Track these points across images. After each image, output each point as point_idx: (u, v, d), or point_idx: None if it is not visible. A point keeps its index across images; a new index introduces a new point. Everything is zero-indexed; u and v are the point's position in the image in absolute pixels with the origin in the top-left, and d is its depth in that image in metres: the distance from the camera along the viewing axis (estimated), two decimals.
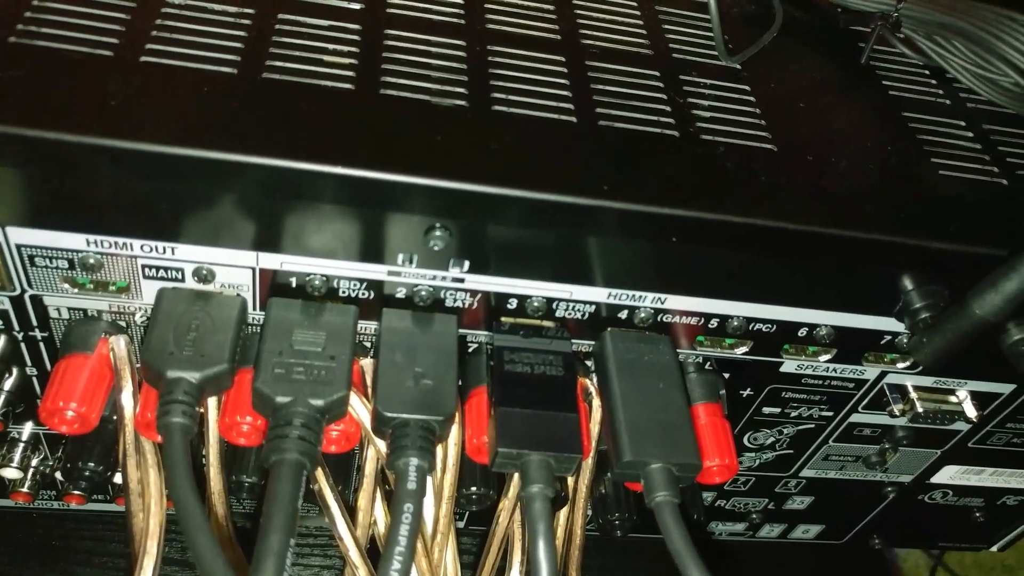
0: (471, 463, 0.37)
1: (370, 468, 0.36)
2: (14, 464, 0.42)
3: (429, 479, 0.34)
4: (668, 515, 0.32)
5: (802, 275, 0.36)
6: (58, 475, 0.43)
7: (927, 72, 0.45)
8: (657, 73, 0.39)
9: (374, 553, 0.37)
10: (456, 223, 0.32)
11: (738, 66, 0.41)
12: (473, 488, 0.38)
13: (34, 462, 0.43)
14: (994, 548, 0.58)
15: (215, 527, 0.36)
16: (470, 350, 0.38)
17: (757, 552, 0.56)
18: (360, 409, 0.34)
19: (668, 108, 0.37)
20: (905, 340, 0.39)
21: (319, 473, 0.36)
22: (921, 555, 1.13)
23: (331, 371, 0.32)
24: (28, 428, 0.41)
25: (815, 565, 0.60)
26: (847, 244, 0.34)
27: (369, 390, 0.35)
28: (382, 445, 0.35)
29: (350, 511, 0.37)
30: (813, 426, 0.45)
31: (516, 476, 0.37)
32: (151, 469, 0.35)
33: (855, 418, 0.44)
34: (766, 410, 0.43)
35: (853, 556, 0.60)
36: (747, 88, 0.40)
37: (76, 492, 0.44)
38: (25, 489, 0.43)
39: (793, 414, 0.44)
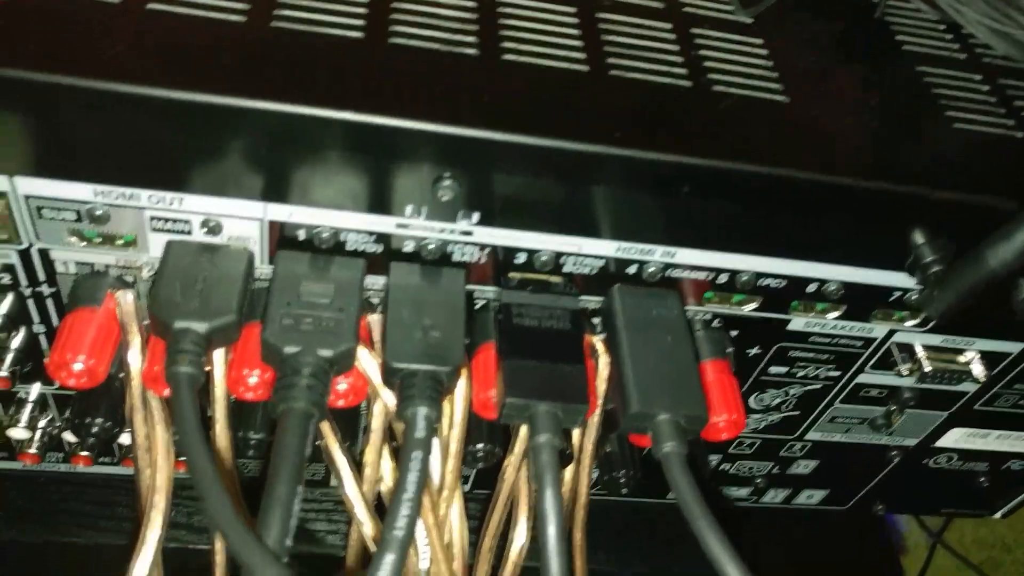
0: (477, 421, 0.37)
1: (377, 423, 0.36)
2: (22, 424, 0.42)
3: (435, 438, 0.34)
4: (676, 465, 0.32)
5: (813, 228, 0.35)
6: (65, 435, 0.43)
7: (943, 27, 0.44)
8: (669, 26, 0.39)
9: (380, 511, 0.37)
10: (465, 172, 0.32)
11: (750, 20, 0.41)
12: (480, 445, 0.39)
13: (42, 423, 0.42)
14: (997, 515, 0.58)
15: None
16: (477, 307, 0.38)
17: (761, 520, 0.56)
18: (368, 362, 0.34)
19: (680, 60, 0.37)
20: (914, 296, 0.39)
21: (326, 428, 0.36)
22: (921, 533, 1.13)
23: (339, 323, 0.32)
24: (36, 388, 0.41)
25: (818, 539, 0.60)
26: (859, 195, 0.34)
27: (376, 344, 0.35)
28: (390, 399, 0.34)
29: (357, 467, 0.37)
30: (820, 386, 0.45)
31: (521, 433, 0.37)
32: (158, 425, 0.35)
33: (862, 378, 0.44)
34: (773, 370, 0.43)
35: (857, 532, 0.60)
36: (759, 41, 0.39)
37: (83, 452, 0.44)
38: (33, 450, 0.43)
39: (800, 374, 0.43)
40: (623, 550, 0.55)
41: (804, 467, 0.51)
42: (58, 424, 0.43)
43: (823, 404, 0.46)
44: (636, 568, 0.55)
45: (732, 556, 0.29)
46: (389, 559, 0.27)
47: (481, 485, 0.50)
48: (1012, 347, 0.43)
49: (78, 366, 0.33)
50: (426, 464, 0.30)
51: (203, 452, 0.28)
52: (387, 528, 0.28)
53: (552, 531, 0.30)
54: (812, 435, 0.49)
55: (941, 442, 0.50)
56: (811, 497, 0.55)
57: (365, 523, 0.36)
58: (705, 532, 0.30)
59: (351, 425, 0.41)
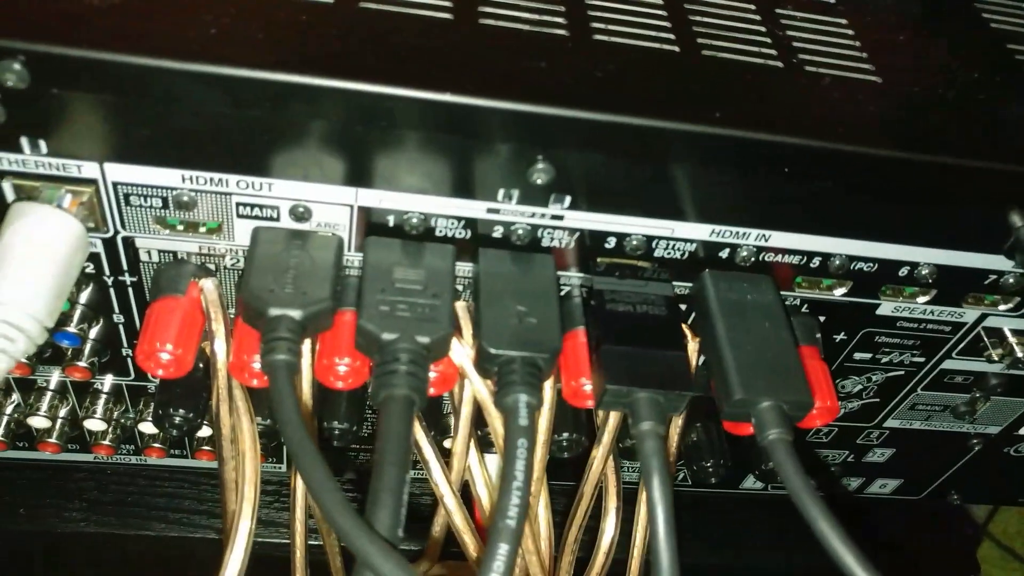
0: (563, 410, 0.37)
1: (466, 412, 0.35)
2: (98, 415, 0.41)
3: None
4: (783, 452, 0.31)
5: (909, 209, 0.34)
6: (140, 427, 0.43)
7: None
8: (753, 6, 0.38)
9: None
10: (560, 154, 0.31)
11: (833, 0, 0.40)
12: (565, 434, 0.38)
13: (115, 414, 0.42)
14: None
15: None
16: (562, 293, 0.37)
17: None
18: (459, 351, 0.34)
19: (768, 40, 0.36)
20: (1010, 280, 0.38)
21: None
22: None
23: (435, 309, 0.32)
24: (110, 379, 0.41)
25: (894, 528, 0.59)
26: (958, 174, 0.33)
27: (465, 332, 0.35)
28: (482, 388, 0.34)
29: (443, 456, 0.36)
30: (903, 372, 0.44)
31: (610, 423, 0.36)
32: (243, 415, 0.35)
33: (948, 364, 0.43)
34: (857, 356, 0.42)
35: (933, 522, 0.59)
36: (844, 21, 0.38)
37: (157, 445, 0.44)
38: (107, 442, 0.43)
39: (884, 360, 0.43)
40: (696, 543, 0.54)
41: (880, 455, 0.50)
42: (131, 416, 0.43)
43: (905, 391, 0.45)
44: (708, 560, 0.54)
45: (843, 538, 0.29)
46: (503, 549, 0.26)
47: (554, 478, 0.49)
48: None
49: (165, 355, 0.33)
50: (532, 451, 0.29)
51: (307, 439, 0.28)
52: (499, 517, 0.27)
53: (662, 521, 0.29)
54: (890, 423, 0.48)
55: None
56: (884, 486, 0.54)
57: (454, 512, 0.35)
58: (815, 516, 0.29)
59: (435, 416, 0.41)
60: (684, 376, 0.32)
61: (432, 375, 0.34)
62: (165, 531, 0.48)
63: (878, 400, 0.46)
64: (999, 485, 0.54)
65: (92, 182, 0.31)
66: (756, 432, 0.32)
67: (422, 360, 0.31)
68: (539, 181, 0.31)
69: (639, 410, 0.31)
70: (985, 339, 0.41)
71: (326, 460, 0.33)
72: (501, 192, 0.33)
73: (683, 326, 0.37)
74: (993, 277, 0.38)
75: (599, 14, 0.35)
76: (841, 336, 0.41)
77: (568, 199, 0.33)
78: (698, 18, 0.36)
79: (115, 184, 0.31)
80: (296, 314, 0.31)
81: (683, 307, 0.38)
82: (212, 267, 0.35)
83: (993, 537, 1.19)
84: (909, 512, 0.57)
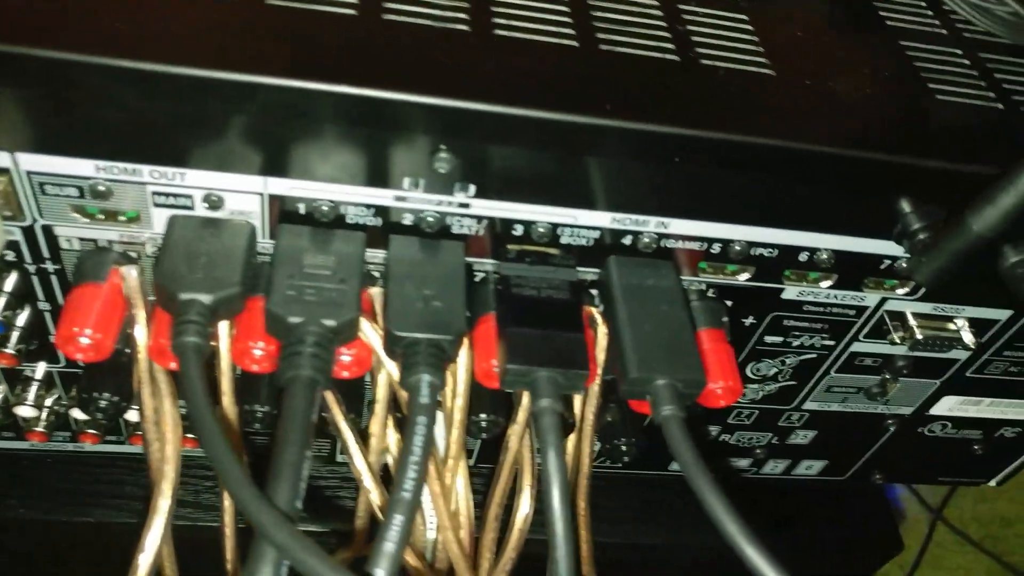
0: (480, 392, 0.38)
1: (381, 394, 0.37)
2: (29, 402, 0.42)
3: (439, 409, 0.35)
4: (675, 428, 0.33)
5: (803, 197, 0.36)
6: (73, 412, 0.44)
7: (923, 3, 0.45)
8: (656, 2, 0.39)
9: (387, 483, 0.38)
10: (460, 144, 0.32)
11: None
12: (483, 415, 0.39)
13: (48, 401, 0.43)
14: (992, 482, 0.59)
15: None
16: (476, 279, 0.38)
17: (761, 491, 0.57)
18: (371, 334, 0.35)
19: (668, 35, 0.37)
20: (903, 264, 0.39)
21: (331, 400, 0.36)
22: (920, 509, 1.14)
23: (342, 293, 0.33)
24: (42, 367, 0.42)
25: (818, 510, 0.60)
26: (847, 163, 0.34)
27: (378, 316, 0.36)
28: (393, 369, 0.35)
29: (363, 438, 0.38)
30: (815, 355, 0.45)
31: (524, 401, 0.38)
32: (166, 398, 0.36)
33: (856, 347, 0.45)
34: (768, 339, 0.44)
35: (856, 503, 0.61)
36: (745, 17, 0.40)
37: (91, 430, 0.45)
38: (40, 428, 0.44)
39: (795, 343, 0.44)
40: (630, 522, 0.56)
41: (803, 437, 0.52)
42: (64, 402, 0.44)
43: (819, 373, 0.47)
44: (641, 539, 0.56)
45: (730, 512, 0.30)
46: (398, 520, 0.28)
47: (485, 461, 0.51)
48: (1000, 314, 0.44)
49: (85, 340, 0.34)
50: (431, 429, 0.31)
51: (211, 418, 0.29)
52: (395, 490, 0.29)
53: (556, 493, 0.30)
54: (809, 405, 0.49)
55: (935, 410, 0.51)
56: (810, 468, 0.56)
57: (372, 491, 0.37)
58: (704, 490, 0.31)
59: (356, 399, 0.42)
60: (582, 356, 0.34)
61: (347, 358, 0.35)
62: (104, 517, 0.49)
63: (794, 382, 0.47)
64: (919, 465, 0.56)
65: (5, 171, 0.32)
66: (651, 409, 0.34)
67: (327, 343, 0.32)
68: (442, 170, 0.33)
69: (538, 388, 0.33)
70: (888, 322, 0.43)
71: (240, 441, 0.35)
72: (407, 181, 0.34)
73: (596, 311, 0.38)
74: (888, 262, 0.40)
75: (501, 9, 0.36)
76: (751, 320, 0.42)
77: (473, 188, 0.34)
78: (600, 14, 0.38)
79: (29, 173, 0.32)
80: (205, 298, 0.32)
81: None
82: (134, 255, 0.36)
83: (948, 522, 1.21)
84: (835, 493, 0.59)
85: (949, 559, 1.26)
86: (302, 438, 0.29)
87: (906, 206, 0.36)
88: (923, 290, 0.41)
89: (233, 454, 0.28)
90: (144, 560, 0.32)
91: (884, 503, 0.63)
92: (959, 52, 0.42)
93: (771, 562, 0.29)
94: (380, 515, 0.38)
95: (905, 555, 0.67)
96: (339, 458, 0.52)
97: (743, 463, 0.54)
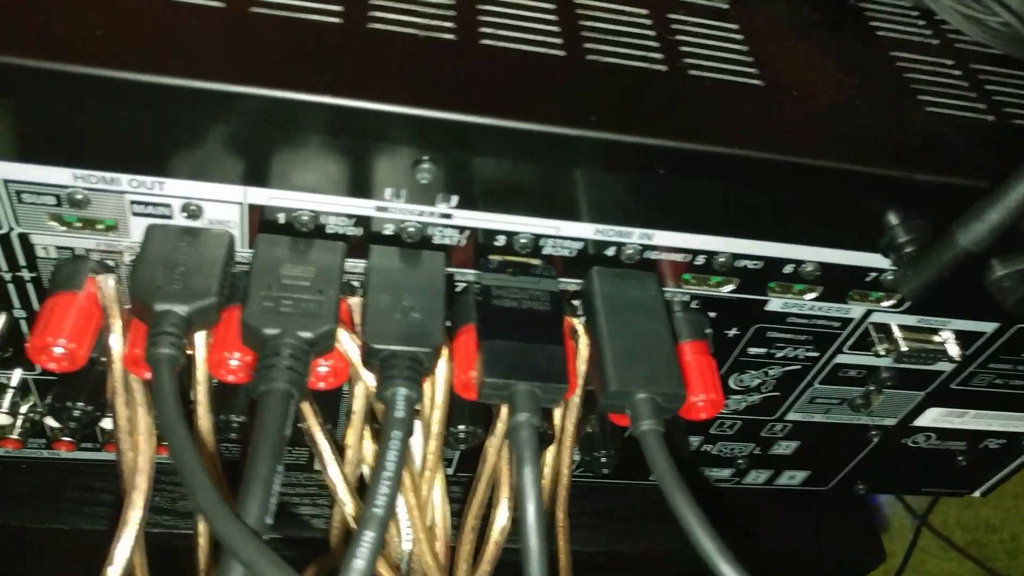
0: (460, 403, 0.38)
1: (358, 405, 0.36)
2: (3, 410, 0.42)
3: (417, 419, 0.35)
4: (652, 442, 0.32)
5: (789, 209, 0.36)
6: (47, 420, 0.43)
7: (915, 13, 0.45)
8: (645, 11, 0.39)
9: (363, 493, 0.37)
10: (443, 155, 0.32)
11: (726, 6, 0.41)
12: (462, 426, 0.39)
13: (23, 408, 0.43)
14: (976, 493, 0.59)
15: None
16: (457, 290, 0.38)
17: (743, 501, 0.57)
18: (349, 344, 0.34)
19: (656, 44, 0.37)
20: (890, 276, 0.39)
21: (308, 410, 0.36)
22: (906, 515, 1.14)
23: (319, 304, 0.33)
24: (17, 374, 0.41)
25: (800, 520, 0.60)
26: (834, 175, 0.34)
27: (357, 327, 0.36)
28: (370, 381, 0.35)
29: (339, 449, 0.37)
30: (799, 367, 0.45)
31: (502, 413, 0.37)
32: (140, 407, 0.35)
33: (840, 359, 0.45)
34: (752, 350, 0.44)
35: (839, 513, 0.61)
36: (735, 27, 0.40)
37: (66, 438, 0.44)
38: (15, 436, 0.43)
39: (779, 354, 0.44)
40: (609, 531, 0.56)
41: (785, 448, 0.52)
42: (40, 409, 0.43)
43: (802, 385, 0.47)
44: (621, 548, 0.56)
45: (706, 528, 0.30)
46: (369, 536, 0.27)
47: (464, 469, 0.51)
48: (986, 327, 0.43)
49: (59, 349, 0.34)
50: (405, 443, 0.30)
51: (182, 431, 0.29)
52: (367, 506, 0.28)
53: (531, 508, 0.30)
54: (792, 416, 0.49)
55: (919, 421, 0.51)
56: (793, 478, 0.55)
57: (347, 503, 0.36)
58: (680, 505, 0.30)
59: (333, 409, 0.41)
60: (561, 369, 0.34)
61: (324, 369, 0.35)
62: (79, 524, 0.49)
63: (778, 394, 0.47)
64: (902, 475, 0.56)
65: None
66: (630, 423, 0.34)
67: (303, 355, 0.31)
68: (424, 181, 0.32)
69: (516, 402, 0.33)
70: (872, 334, 0.43)
71: (214, 452, 0.34)
72: (389, 191, 0.33)
73: (579, 322, 0.38)
74: (874, 275, 0.39)
75: (487, 19, 0.36)
76: (734, 331, 0.42)
77: (455, 198, 0.34)
78: (588, 23, 0.37)
79: (5, 181, 0.32)
80: (181, 309, 0.31)
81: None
82: (111, 263, 0.36)
83: (932, 528, 1.21)
84: (817, 503, 0.59)
85: (933, 564, 1.26)
86: (274, 452, 0.29)
87: (893, 218, 0.36)
88: (909, 302, 0.41)
89: (203, 468, 0.28)
90: (113, 572, 0.32)
91: (867, 513, 0.63)
92: (950, 63, 0.42)
93: None
94: (354, 525, 0.38)
95: (889, 560, 0.67)
96: (317, 466, 0.51)
97: (725, 473, 0.54)
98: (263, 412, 0.30)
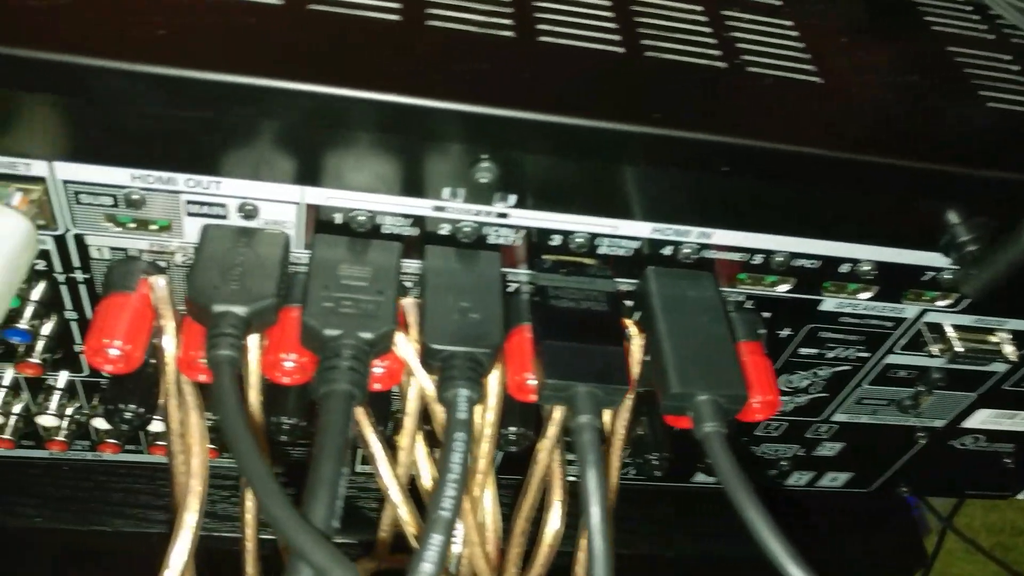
0: (510, 405, 0.37)
1: (412, 407, 0.36)
2: (51, 411, 0.41)
3: None
4: (717, 445, 0.32)
5: (850, 207, 0.35)
6: (93, 422, 0.43)
7: (969, 8, 0.44)
8: (700, 8, 0.38)
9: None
10: (503, 154, 0.31)
11: (780, 2, 0.40)
12: (512, 428, 0.39)
13: (69, 410, 0.42)
14: (1021, 496, 0.58)
15: None
16: (510, 290, 0.38)
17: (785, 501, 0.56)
18: (403, 345, 0.34)
19: (713, 41, 0.36)
20: (947, 276, 0.39)
21: (360, 412, 0.36)
22: (931, 517, 1.13)
23: (379, 305, 0.32)
24: (64, 376, 0.41)
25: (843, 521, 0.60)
26: (895, 174, 0.34)
27: (409, 328, 0.35)
28: (427, 382, 0.34)
29: (391, 451, 0.37)
30: (849, 367, 0.44)
31: (555, 416, 0.37)
32: (192, 410, 0.35)
33: (891, 359, 0.44)
34: (803, 351, 0.43)
35: (881, 514, 0.60)
36: (790, 23, 0.39)
37: (112, 440, 0.44)
38: (61, 438, 0.43)
39: (830, 355, 0.43)
40: (653, 534, 0.55)
41: (829, 449, 0.51)
42: (86, 412, 0.43)
43: (851, 385, 0.46)
44: (665, 552, 0.55)
45: (774, 530, 0.29)
46: (436, 540, 0.27)
47: (506, 471, 0.50)
48: None
49: (114, 351, 0.33)
50: (469, 445, 0.30)
51: (248, 436, 0.28)
52: (432, 508, 0.28)
53: (597, 511, 0.30)
54: (838, 417, 0.49)
55: (968, 423, 0.50)
56: (835, 480, 0.55)
57: (400, 505, 0.36)
58: (747, 508, 0.30)
59: (384, 411, 0.41)
60: (621, 370, 0.33)
61: (379, 370, 0.34)
62: (121, 527, 0.48)
63: (825, 395, 0.47)
64: (947, 478, 0.56)
65: (41, 180, 0.31)
66: (693, 425, 0.33)
67: (364, 356, 0.31)
68: (483, 180, 0.32)
69: (577, 403, 0.32)
70: (926, 334, 0.42)
71: (267, 454, 0.34)
72: (447, 191, 0.33)
73: (632, 322, 0.38)
74: (931, 274, 0.39)
75: (545, 15, 0.35)
76: (786, 332, 0.42)
77: (513, 198, 0.34)
78: (644, 19, 0.37)
79: (65, 182, 0.32)
80: (240, 310, 0.31)
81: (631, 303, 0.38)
82: (163, 264, 0.35)
83: (957, 531, 1.21)
84: (860, 505, 0.58)
85: (958, 567, 1.25)
86: (339, 454, 0.29)
87: (955, 216, 0.35)
88: (966, 302, 0.41)
89: (270, 473, 0.27)
90: None
91: (910, 516, 0.62)
92: (1008, 58, 0.41)
93: None
94: (407, 528, 0.37)
95: None
96: (358, 468, 0.51)
97: (768, 474, 0.53)
98: (326, 413, 0.29)
